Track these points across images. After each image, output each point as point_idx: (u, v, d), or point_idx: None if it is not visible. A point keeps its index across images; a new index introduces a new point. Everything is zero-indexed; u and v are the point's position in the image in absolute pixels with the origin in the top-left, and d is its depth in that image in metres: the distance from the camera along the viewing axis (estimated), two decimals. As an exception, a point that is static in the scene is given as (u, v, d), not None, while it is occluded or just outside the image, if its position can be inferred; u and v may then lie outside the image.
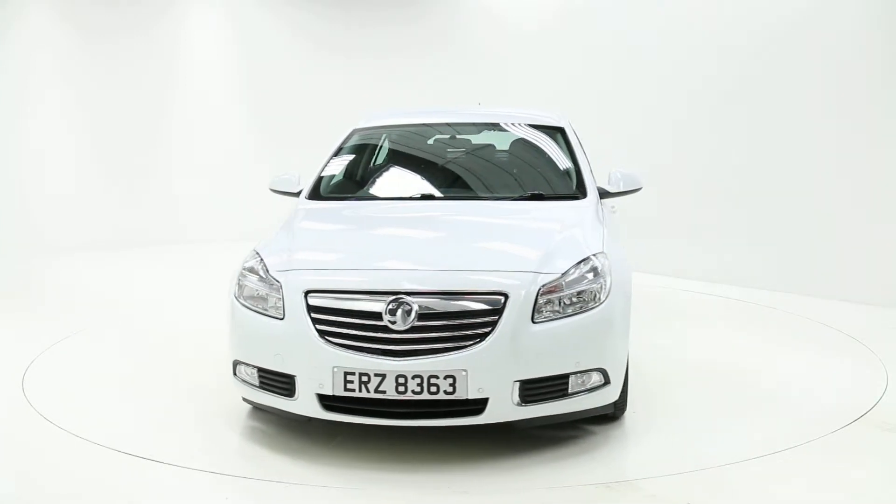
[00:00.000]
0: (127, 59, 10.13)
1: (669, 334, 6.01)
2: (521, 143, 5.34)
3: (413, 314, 3.56)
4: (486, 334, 3.56)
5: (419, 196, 4.80)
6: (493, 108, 5.93)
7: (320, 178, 5.02)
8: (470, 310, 3.59)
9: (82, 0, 9.92)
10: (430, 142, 5.48)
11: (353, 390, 3.56)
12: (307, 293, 3.71)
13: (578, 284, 3.76)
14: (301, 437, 4.04)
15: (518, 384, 3.60)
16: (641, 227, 7.66)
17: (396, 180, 5.10)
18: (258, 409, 4.21)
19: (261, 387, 3.87)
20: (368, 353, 3.57)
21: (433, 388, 3.52)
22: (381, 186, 5.04)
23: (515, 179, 5.01)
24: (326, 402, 3.66)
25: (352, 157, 5.26)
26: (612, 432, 4.15)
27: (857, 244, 7.00)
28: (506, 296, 3.61)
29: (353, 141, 5.34)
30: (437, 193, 4.83)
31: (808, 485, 3.57)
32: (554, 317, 3.67)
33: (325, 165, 5.12)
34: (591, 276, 3.81)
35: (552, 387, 3.68)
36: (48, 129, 9.76)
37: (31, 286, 7.97)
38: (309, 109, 10.54)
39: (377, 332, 3.58)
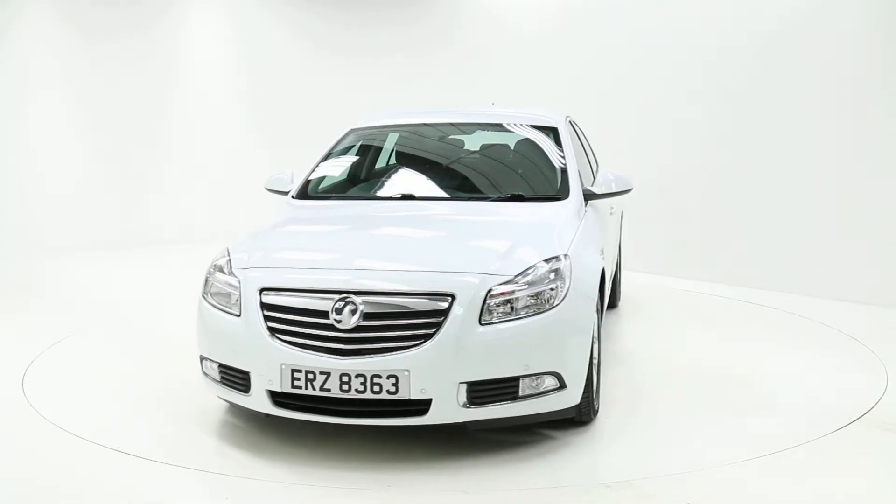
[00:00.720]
0: (127, 60, 10.13)
1: (669, 334, 6.01)
2: (511, 144, 5.35)
3: (358, 314, 3.58)
4: (431, 335, 3.55)
5: (399, 196, 4.81)
6: (490, 109, 5.93)
7: (309, 178, 5.09)
8: (415, 310, 3.59)
9: (82, 0, 9.92)
10: (421, 142, 5.49)
11: (300, 388, 3.61)
12: (262, 290, 3.78)
13: (532, 287, 3.71)
14: (304, 437, 4.04)
15: (464, 386, 3.58)
16: (641, 228, 7.66)
17: (382, 181, 5.16)
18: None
19: (221, 382, 3.96)
20: (315, 351, 3.60)
21: (376, 388, 3.53)
22: (365, 186, 5.12)
23: (498, 180, 4.98)
24: (277, 398, 3.71)
25: (343, 157, 5.32)
26: (612, 432, 4.15)
27: (857, 244, 7.00)
28: (452, 297, 3.60)
29: (346, 142, 5.40)
30: (418, 194, 4.82)
31: (807, 485, 3.57)
32: (503, 319, 3.63)
33: (316, 166, 5.19)
34: (547, 278, 3.76)
35: (501, 389, 3.65)
36: (48, 129, 9.76)
37: (31, 286, 7.97)
38: (309, 109, 10.53)
39: (323, 330, 3.62)
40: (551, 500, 3.43)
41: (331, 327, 3.61)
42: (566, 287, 3.77)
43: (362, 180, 5.22)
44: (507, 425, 3.81)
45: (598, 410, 4.28)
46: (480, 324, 3.59)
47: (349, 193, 5.07)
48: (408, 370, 3.52)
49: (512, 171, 5.09)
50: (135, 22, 10.20)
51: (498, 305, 3.64)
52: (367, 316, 3.59)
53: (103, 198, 10.06)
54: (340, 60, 10.75)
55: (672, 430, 4.19)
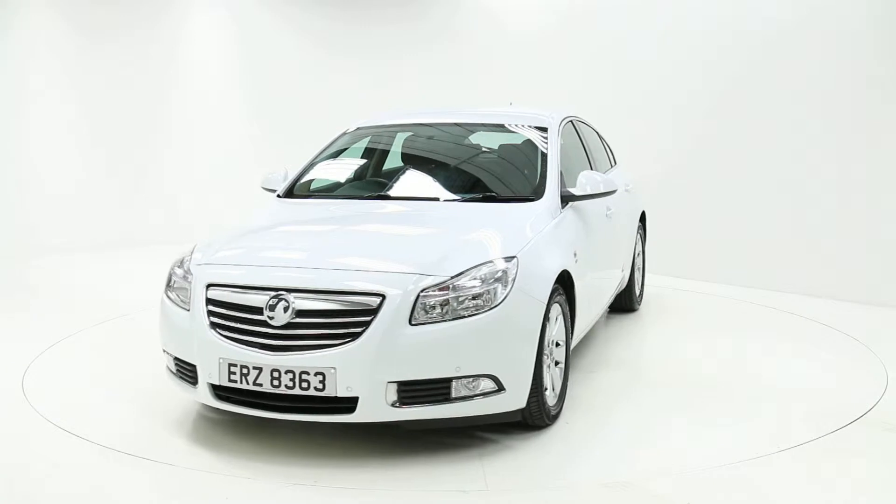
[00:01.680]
0: (127, 59, 10.13)
1: (668, 334, 6.01)
2: (497, 145, 5.35)
3: (290, 311, 3.65)
4: (359, 334, 3.57)
5: (374, 196, 4.86)
6: (483, 109, 5.92)
7: (297, 178, 5.19)
8: (345, 309, 3.63)
9: (82, 0, 9.92)
10: (411, 143, 5.51)
11: (236, 382, 3.71)
12: (208, 286, 3.91)
13: (467, 289, 3.70)
14: (305, 438, 4.04)
15: (393, 385, 3.60)
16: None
17: (364, 181, 5.23)
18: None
19: (177, 374, 4.11)
20: (249, 346, 3.69)
21: (304, 384, 3.59)
22: (347, 186, 5.20)
23: (475, 181, 4.97)
24: (218, 391, 3.83)
25: (333, 157, 5.39)
26: (612, 432, 4.15)
27: (857, 244, 7.00)
28: (383, 297, 3.62)
29: (339, 143, 5.49)
30: (394, 194, 4.85)
31: (807, 485, 3.57)
32: (435, 320, 3.63)
33: (306, 165, 5.30)
34: (485, 280, 3.74)
35: (432, 390, 3.65)
36: (48, 129, 9.76)
37: (31, 286, 7.97)
38: (309, 109, 10.53)
39: (258, 326, 3.70)
40: (551, 499, 3.43)
41: (264, 323, 3.69)
42: (507, 289, 3.76)
43: (347, 180, 5.29)
44: (444, 426, 3.80)
45: (557, 415, 4.21)
46: (410, 324, 3.60)
47: (331, 193, 5.15)
48: (334, 368, 3.55)
49: (490, 173, 5.07)
50: (135, 22, 10.19)
51: (430, 307, 3.64)
52: (299, 313, 3.64)
53: (103, 198, 10.06)
54: (341, 60, 10.75)
55: (672, 429, 4.19)
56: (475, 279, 3.73)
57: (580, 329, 4.81)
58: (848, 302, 6.84)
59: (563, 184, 4.77)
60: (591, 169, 5.57)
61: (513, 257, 3.87)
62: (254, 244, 4.31)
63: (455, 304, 3.66)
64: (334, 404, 3.62)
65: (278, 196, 5.08)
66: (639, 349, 5.66)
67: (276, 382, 3.62)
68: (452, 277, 3.70)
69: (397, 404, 3.63)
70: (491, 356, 3.70)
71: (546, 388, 4.06)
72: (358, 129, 5.60)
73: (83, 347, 5.71)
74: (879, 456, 3.87)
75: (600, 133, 6.45)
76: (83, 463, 3.86)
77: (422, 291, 3.64)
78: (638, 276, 6.70)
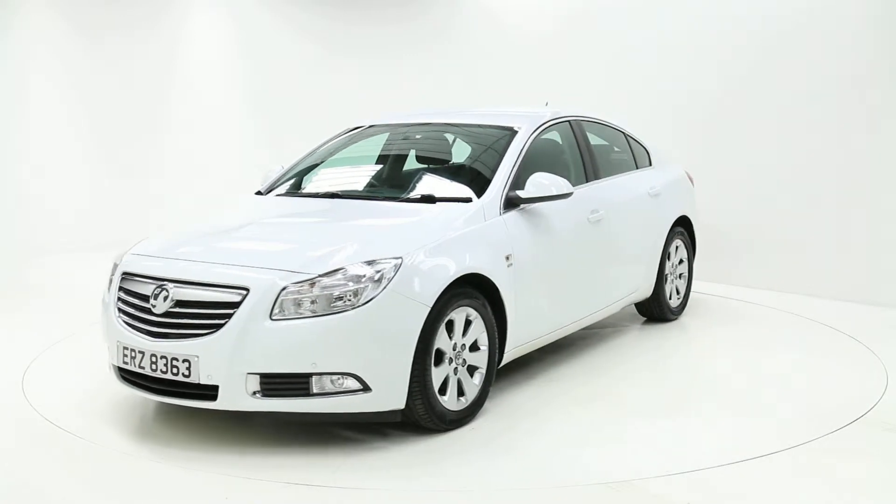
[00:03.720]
0: (127, 60, 10.12)
1: (668, 334, 6.00)
2: (460, 145, 5.36)
3: (169, 300, 3.90)
4: (222, 325, 3.75)
5: (326, 194, 4.97)
6: (475, 109, 5.93)
7: (280, 176, 5.38)
8: (213, 301, 3.82)
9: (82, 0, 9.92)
10: (389, 143, 5.55)
11: (128, 364, 4.01)
12: (123, 274, 4.25)
13: (333, 287, 3.76)
14: (309, 438, 4.04)
15: (254, 377, 3.73)
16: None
17: (326, 179, 5.33)
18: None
19: (109, 358, 4.31)
20: (136, 331, 3.98)
21: (174, 370, 3.82)
22: (308, 184, 5.30)
23: (422, 181, 4.98)
24: (122, 374, 4.12)
25: (320, 156, 5.52)
26: (611, 432, 4.15)
27: (857, 244, 6.99)
28: (247, 290, 3.77)
29: (329, 144, 5.62)
30: (343, 192, 4.96)
31: (807, 485, 3.57)
32: (296, 316, 3.73)
33: (293, 164, 5.47)
34: (354, 279, 3.79)
35: (293, 384, 3.75)
36: (47, 129, 9.75)
37: (31, 286, 7.97)
38: (310, 109, 10.52)
39: (144, 313, 4.00)
40: (551, 499, 3.43)
41: (148, 311, 3.97)
42: (378, 290, 3.79)
43: (311, 179, 5.37)
44: (317, 421, 3.96)
45: (462, 420, 4.16)
46: (271, 318, 3.73)
47: (292, 192, 5.25)
48: (197, 356, 3.76)
49: (444, 173, 5.09)
50: (135, 21, 10.18)
51: (292, 303, 3.74)
52: (178, 303, 3.89)
53: (103, 197, 10.06)
54: (341, 60, 10.74)
55: (671, 429, 4.19)
56: (343, 278, 3.79)
57: (532, 335, 4.72)
58: (848, 302, 6.83)
59: (517, 186, 4.67)
60: (584, 168, 5.42)
61: (398, 258, 3.90)
62: (174, 238, 4.49)
63: (320, 302, 3.74)
64: (199, 391, 3.81)
65: (256, 193, 5.30)
66: (631, 349, 5.65)
67: (154, 367, 3.89)
68: (320, 276, 3.79)
69: (258, 395, 3.75)
70: (353, 355, 3.75)
71: (445, 393, 4.04)
72: (351, 130, 5.73)
73: (83, 347, 5.71)
74: (879, 456, 3.87)
75: (628, 132, 6.22)
76: (83, 463, 3.86)
77: (284, 288, 3.75)
78: (679, 284, 6.36)
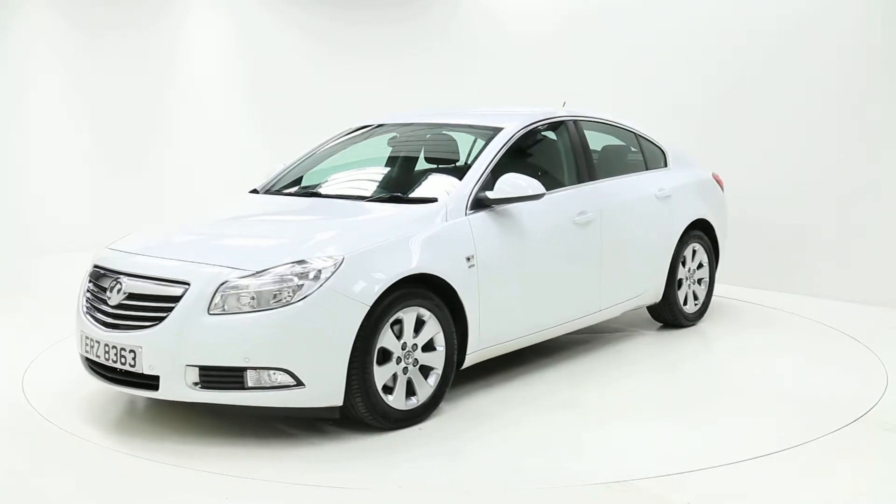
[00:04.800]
0: (127, 59, 10.11)
1: (669, 334, 6.00)
2: (437, 146, 5.40)
3: (121, 293, 4.07)
4: (164, 318, 3.89)
5: (308, 193, 5.06)
6: (473, 108, 5.91)
7: (278, 175, 5.44)
8: (158, 294, 3.98)
9: (82, -1, 9.93)
10: (378, 144, 5.56)
11: (89, 354, 4.18)
12: (94, 267, 4.41)
13: (269, 284, 3.85)
14: (308, 440, 4.04)
15: (193, 369, 3.85)
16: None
17: (314, 178, 5.35)
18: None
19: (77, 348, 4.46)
20: (95, 322, 4.15)
21: (122, 360, 3.98)
22: (298, 184, 5.32)
23: (401, 181, 5.03)
24: (90, 365, 4.26)
25: (318, 156, 5.56)
26: (611, 432, 4.15)
27: (856, 244, 6.99)
28: (189, 284, 3.90)
29: (330, 143, 5.63)
30: (323, 192, 5.03)
31: (807, 485, 3.57)
32: (235, 311, 3.83)
33: (292, 164, 5.53)
34: (291, 277, 3.86)
35: (229, 377, 3.85)
36: (47, 128, 9.74)
37: (30, 286, 7.97)
38: (310, 109, 10.51)
39: (101, 304, 4.18)
40: (551, 499, 3.43)
41: (104, 302, 4.15)
42: (314, 288, 3.85)
43: (297, 178, 5.41)
44: (260, 414, 4.05)
45: (412, 419, 4.18)
46: (208, 313, 3.84)
47: (277, 191, 5.29)
48: (140, 347, 3.90)
49: (420, 174, 5.09)
50: (135, 21, 10.17)
51: (229, 297, 3.84)
52: (129, 296, 4.05)
53: (103, 198, 10.05)
54: (341, 59, 10.73)
55: (671, 429, 4.19)
56: (280, 276, 3.87)
57: (501, 338, 4.66)
58: (848, 302, 6.83)
59: (487, 188, 4.63)
60: (576, 171, 5.30)
61: (339, 257, 3.96)
62: (145, 235, 4.63)
63: (259, 298, 3.83)
64: (143, 380, 3.96)
65: (251, 191, 5.36)
66: (630, 348, 5.66)
67: (107, 356, 4.05)
68: (257, 273, 3.88)
69: (198, 387, 3.86)
70: (285, 351, 3.82)
71: (391, 391, 4.07)
72: (353, 130, 5.74)
73: (83, 347, 5.71)
74: (879, 456, 3.87)
75: (640, 133, 6.02)
76: (84, 463, 3.86)
77: (223, 283, 3.86)
78: (697, 290, 6.13)
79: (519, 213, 4.74)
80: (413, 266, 4.15)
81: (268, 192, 5.29)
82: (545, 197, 4.72)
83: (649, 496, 3.44)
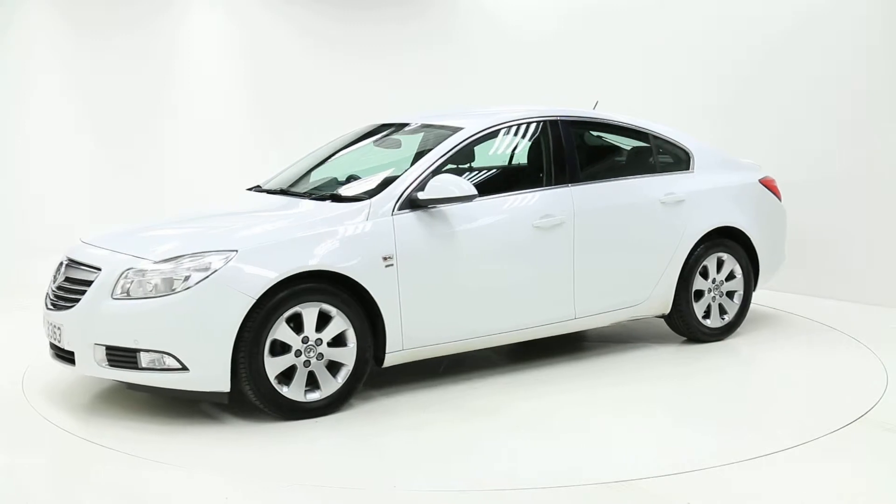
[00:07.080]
0: (127, 58, 10.09)
1: (669, 334, 6.00)
2: (405, 146, 5.40)
3: (62, 276, 4.49)
4: (79, 300, 4.25)
5: (282, 192, 5.15)
6: (466, 108, 5.89)
7: (277, 175, 5.54)
8: (80, 278, 4.35)
9: (82, -1, 9.92)
10: (365, 144, 5.56)
11: (46, 333, 4.53)
12: (65, 257, 4.64)
13: (163, 272, 4.14)
14: (311, 438, 4.04)
15: (101, 347, 4.18)
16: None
17: (296, 177, 5.40)
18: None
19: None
20: (49, 303, 4.50)
21: (56, 336, 4.38)
22: (289, 182, 5.35)
23: (348, 181, 5.06)
24: (53, 349, 4.53)
25: (311, 156, 5.63)
26: (611, 432, 4.16)
27: (856, 244, 6.99)
28: (99, 270, 4.26)
29: (325, 147, 5.67)
30: (295, 190, 5.15)
31: (807, 485, 3.57)
32: (136, 297, 4.14)
33: (290, 165, 5.61)
34: (185, 268, 4.12)
35: (126, 357, 4.15)
36: (47, 128, 9.74)
37: (30, 286, 7.96)
38: (311, 109, 10.51)
39: (54, 288, 4.53)
40: (550, 499, 3.43)
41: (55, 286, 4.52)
42: (201, 277, 4.08)
43: (285, 177, 5.48)
44: (168, 394, 4.30)
45: (314, 410, 4.25)
46: (112, 297, 4.17)
47: (265, 188, 5.38)
48: (62, 325, 4.31)
49: (367, 173, 5.10)
50: (135, 20, 10.16)
51: (131, 284, 4.15)
52: (67, 279, 4.44)
53: (104, 197, 10.05)
54: (341, 59, 10.72)
55: (671, 429, 4.19)
56: (174, 266, 4.15)
57: (431, 340, 4.62)
58: (848, 302, 6.84)
59: (420, 188, 4.59)
60: (565, 174, 5.12)
61: (232, 251, 4.17)
62: (120, 228, 4.88)
63: (158, 287, 4.12)
64: (66, 355, 4.34)
65: (248, 189, 5.48)
66: (627, 349, 5.66)
67: (51, 334, 4.44)
68: (158, 262, 4.17)
69: (105, 364, 4.19)
70: (169, 336, 4.09)
71: (289, 382, 4.20)
72: (347, 133, 5.76)
73: (83, 347, 5.71)
74: (879, 456, 3.87)
75: (658, 134, 5.74)
76: (84, 464, 3.86)
77: (126, 270, 4.18)
78: (727, 303, 5.73)
79: (458, 214, 4.66)
80: (312, 263, 4.25)
81: (261, 189, 5.39)
82: (498, 199, 4.80)
83: (649, 496, 3.44)
